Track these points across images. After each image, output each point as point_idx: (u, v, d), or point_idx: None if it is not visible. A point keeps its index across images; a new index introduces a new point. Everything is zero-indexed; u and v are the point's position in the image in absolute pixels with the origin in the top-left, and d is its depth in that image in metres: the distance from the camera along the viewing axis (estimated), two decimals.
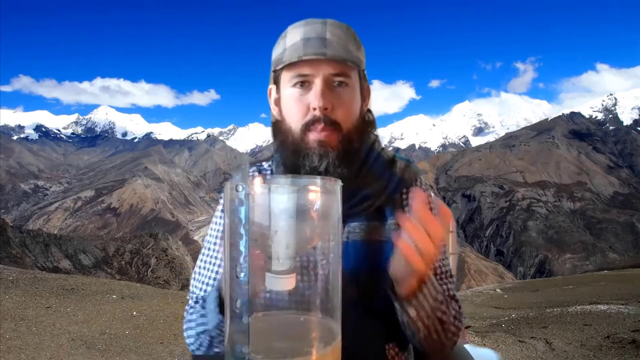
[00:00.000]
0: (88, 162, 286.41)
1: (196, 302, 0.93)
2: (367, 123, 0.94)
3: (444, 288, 0.89)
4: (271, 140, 0.96)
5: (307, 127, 0.84)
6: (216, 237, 0.97)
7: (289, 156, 0.88)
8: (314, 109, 0.83)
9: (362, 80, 0.92)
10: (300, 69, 0.84)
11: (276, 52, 0.88)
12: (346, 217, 0.87)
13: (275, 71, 0.90)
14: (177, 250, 41.54)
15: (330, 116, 0.83)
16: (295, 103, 0.86)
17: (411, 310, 0.77)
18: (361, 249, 0.86)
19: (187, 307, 0.96)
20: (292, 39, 0.85)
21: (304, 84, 0.85)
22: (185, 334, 0.91)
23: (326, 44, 0.82)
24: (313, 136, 0.84)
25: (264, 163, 1.01)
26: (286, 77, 0.86)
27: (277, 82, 0.91)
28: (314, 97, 0.83)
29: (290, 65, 0.84)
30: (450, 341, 0.84)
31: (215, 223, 0.99)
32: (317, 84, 0.83)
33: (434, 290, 0.77)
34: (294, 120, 0.86)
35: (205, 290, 0.94)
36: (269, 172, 0.98)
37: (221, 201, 1.00)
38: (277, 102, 0.92)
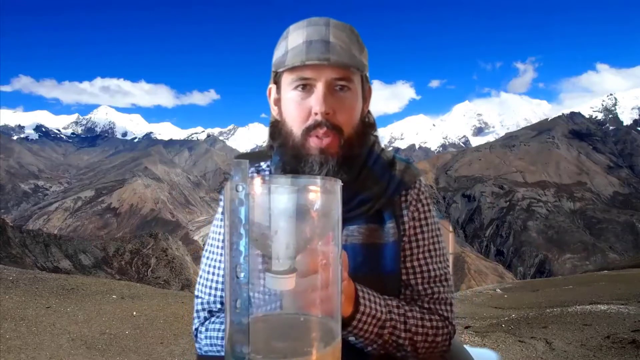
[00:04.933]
0: (88, 162, 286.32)
1: (208, 311, 0.94)
2: (367, 125, 0.93)
3: (434, 290, 0.88)
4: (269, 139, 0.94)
5: (309, 131, 0.82)
6: (219, 239, 0.97)
7: (289, 161, 0.86)
8: (316, 114, 0.81)
9: (364, 82, 0.90)
10: (303, 72, 0.82)
11: (278, 54, 0.86)
12: (345, 221, 0.86)
13: (276, 72, 0.88)
14: (177, 250, 41.53)
15: (332, 120, 0.82)
16: (296, 107, 0.84)
17: (350, 337, 0.76)
18: (360, 252, 0.86)
19: (196, 315, 0.95)
20: (294, 40, 0.82)
21: (306, 87, 0.83)
22: (207, 341, 0.90)
23: (329, 49, 0.80)
24: (314, 142, 0.82)
25: (262, 163, 0.98)
26: (287, 80, 0.84)
27: (277, 83, 0.89)
28: (316, 102, 0.81)
29: (292, 69, 0.82)
30: (429, 353, 0.83)
31: (216, 226, 0.98)
32: (319, 88, 0.81)
33: (372, 315, 0.76)
34: (295, 125, 0.84)
35: (214, 295, 0.94)
36: (267, 172, 0.97)
37: (221, 203, 0.99)
38: (277, 102, 0.90)
